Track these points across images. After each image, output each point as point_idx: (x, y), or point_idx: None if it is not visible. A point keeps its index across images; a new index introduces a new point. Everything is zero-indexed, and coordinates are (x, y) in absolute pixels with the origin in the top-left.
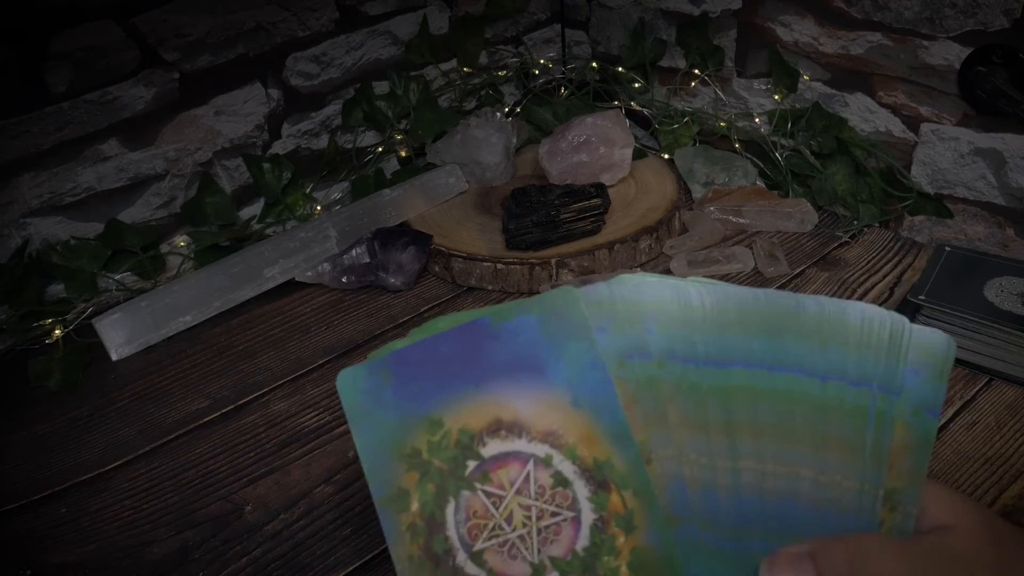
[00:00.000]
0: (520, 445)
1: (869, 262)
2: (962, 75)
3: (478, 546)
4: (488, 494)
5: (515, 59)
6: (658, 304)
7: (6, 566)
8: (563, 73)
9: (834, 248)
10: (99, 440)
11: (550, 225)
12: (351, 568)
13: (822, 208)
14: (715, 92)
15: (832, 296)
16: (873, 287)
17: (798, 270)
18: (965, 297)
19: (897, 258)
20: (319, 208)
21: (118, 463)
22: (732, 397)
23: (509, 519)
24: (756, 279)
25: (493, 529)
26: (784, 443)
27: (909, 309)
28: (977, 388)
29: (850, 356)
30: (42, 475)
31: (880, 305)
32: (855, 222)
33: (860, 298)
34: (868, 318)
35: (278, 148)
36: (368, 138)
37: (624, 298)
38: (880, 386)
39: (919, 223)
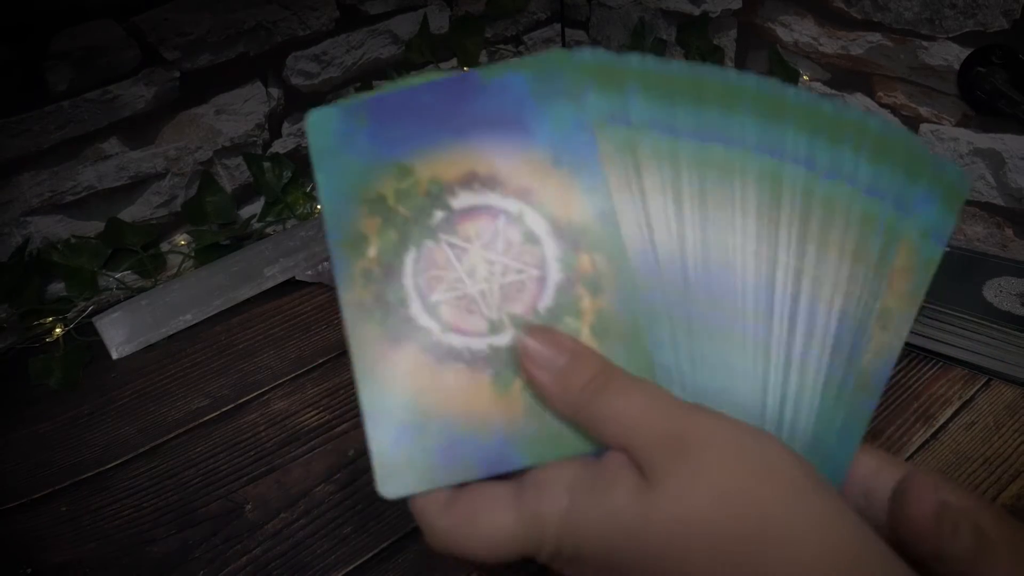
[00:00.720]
0: (493, 199)
1: None
2: (962, 76)
3: (435, 297)
4: (452, 245)
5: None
6: (642, 71)
7: (6, 565)
8: None
9: None
10: (99, 439)
11: None
12: (351, 567)
13: None
14: None
15: None
16: None
17: None
18: (964, 298)
19: None
20: (319, 207)
21: (118, 462)
22: (710, 171)
23: (472, 273)
24: None
25: (454, 282)
26: (767, 227)
27: None
28: (976, 388)
29: (864, 163)
30: (42, 473)
31: None
32: None
33: None
34: (889, 128)
35: (278, 147)
36: None
37: (608, 61)
38: (893, 201)
39: None
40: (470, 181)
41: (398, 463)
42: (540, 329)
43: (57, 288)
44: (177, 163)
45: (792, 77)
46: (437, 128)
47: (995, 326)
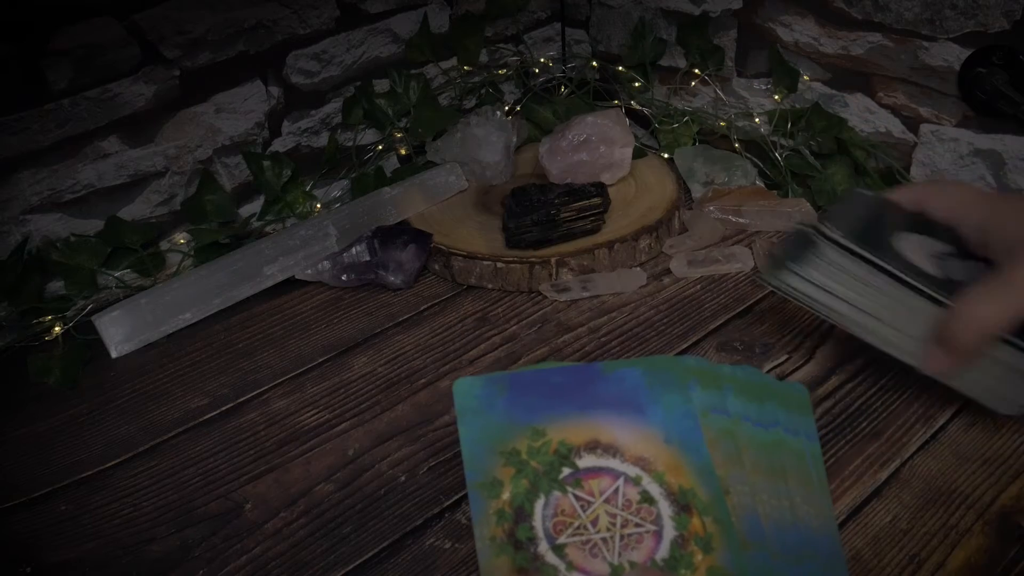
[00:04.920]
0: (613, 463)
1: None
2: (962, 76)
3: (561, 540)
4: (578, 497)
5: (515, 58)
6: (733, 376)
7: (6, 564)
8: (563, 72)
9: None
10: (99, 437)
11: (550, 224)
12: (351, 566)
13: (822, 208)
14: (715, 92)
15: None
16: None
17: None
18: (869, 240)
19: None
20: (319, 206)
21: (118, 460)
22: (782, 452)
23: (595, 522)
24: (756, 279)
25: (578, 528)
26: (803, 487)
27: (800, 240)
28: None
29: (784, 414)
30: (42, 472)
31: None
32: None
33: None
34: (786, 385)
35: (278, 146)
36: (368, 136)
37: (709, 367)
38: (804, 434)
39: None
40: (594, 447)
41: None
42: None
43: (56, 286)
44: (177, 161)
45: (792, 77)
46: (565, 403)
47: (904, 279)
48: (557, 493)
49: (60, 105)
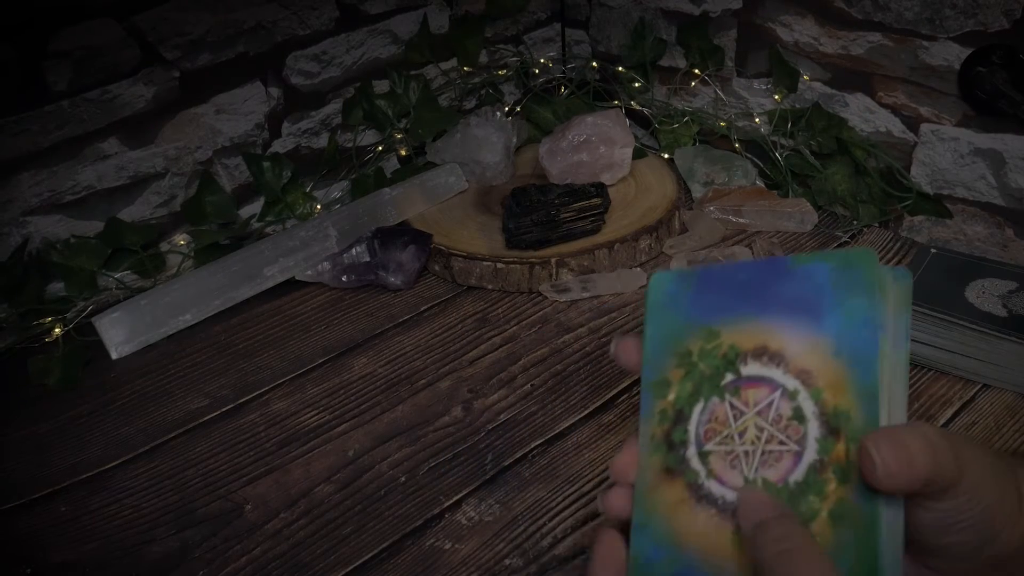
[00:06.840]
0: (775, 374)
1: None
2: (962, 76)
3: (708, 447)
4: (733, 406)
5: (515, 58)
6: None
7: (6, 565)
8: (563, 72)
9: (834, 248)
10: (99, 439)
11: (550, 224)
12: (351, 567)
13: (822, 208)
14: (715, 92)
15: None
16: None
17: None
18: (946, 299)
19: (896, 258)
20: (319, 207)
21: (118, 462)
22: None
23: (742, 433)
24: None
25: (726, 437)
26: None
27: None
28: (976, 389)
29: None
30: (42, 473)
31: None
32: (855, 222)
33: None
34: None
35: (278, 147)
36: (368, 137)
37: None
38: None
39: (918, 223)
40: (761, 354)
41: (649, 571)
42: (756, 489)
43: (56, 288)
44: (177, 163)
45: (792, 77)
46: (745, 302)
47: (974, 327)
48: (715, 399)
49: (60, 107)
